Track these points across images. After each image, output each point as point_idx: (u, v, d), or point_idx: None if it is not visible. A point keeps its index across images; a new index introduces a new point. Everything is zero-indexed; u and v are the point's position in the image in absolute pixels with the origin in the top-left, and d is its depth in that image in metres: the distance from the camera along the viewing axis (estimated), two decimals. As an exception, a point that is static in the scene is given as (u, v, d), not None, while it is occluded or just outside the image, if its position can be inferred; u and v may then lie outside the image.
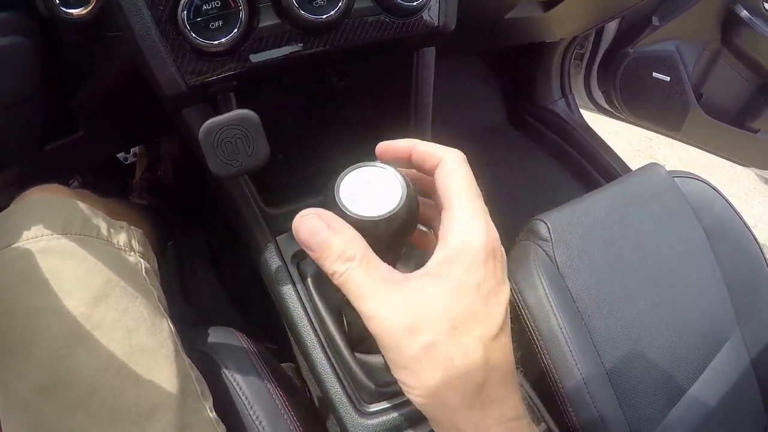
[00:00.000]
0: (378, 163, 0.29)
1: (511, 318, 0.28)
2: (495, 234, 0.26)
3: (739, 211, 0.70)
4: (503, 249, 0.27)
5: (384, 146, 0.30)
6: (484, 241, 0.26)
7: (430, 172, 0.29)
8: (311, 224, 0.26)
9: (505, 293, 0.26)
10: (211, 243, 0.87)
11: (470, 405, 0.25)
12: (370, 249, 0.26)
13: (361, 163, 0.29)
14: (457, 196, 0.27)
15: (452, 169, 0.27)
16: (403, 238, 0.30)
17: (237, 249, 0.56)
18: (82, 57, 0.51)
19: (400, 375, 0.25)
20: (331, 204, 0.28)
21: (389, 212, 0.27)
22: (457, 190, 0.27)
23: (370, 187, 0.28)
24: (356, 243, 0.25)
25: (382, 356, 0.27)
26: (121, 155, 0.90)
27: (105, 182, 0.82)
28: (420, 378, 0.25)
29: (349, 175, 0.29)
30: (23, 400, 0.34)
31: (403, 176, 0.28)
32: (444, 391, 0.25)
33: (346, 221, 0.27)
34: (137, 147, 0.86)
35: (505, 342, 0.27)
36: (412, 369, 0.25)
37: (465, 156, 0.28)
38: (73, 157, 0.62)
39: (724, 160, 1.04)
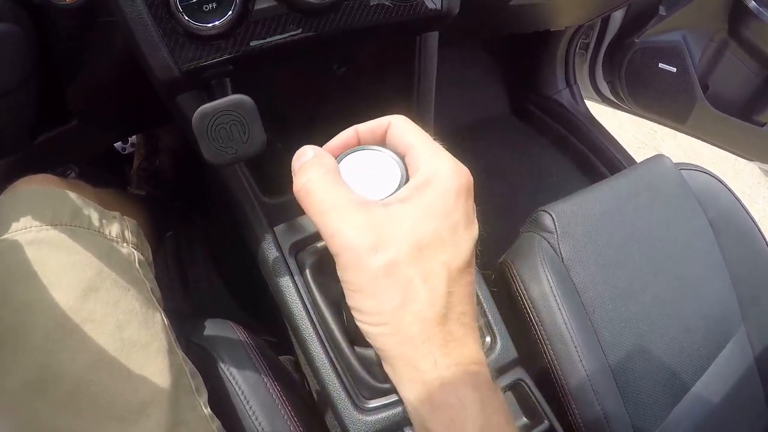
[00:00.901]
0: (373, 147, 0.29)
1: (514, 311, 0.27)
2: (467, 171, 0.26)
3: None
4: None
5: (330, 147, 0.30)
6: (455, 173, 0.25)
7: (382, 141, 0.29)
8: (303, 151, 0.27)
9: (474, 230, 0.26)
10: (210, 234, 0.86)
11: (428, 337, 0.23)
12: (340, 177, 0.26)
13: (356, 147, 0.29)
14: (414, 139, 0.27)
15: (402, 125, 0.28)
16: None
17: (236, 240, 0.55)
18: (75, 44, 0.49)
19: (354, 300, 0.24)
20: None
21: (391, 194, 0.27)
22: (414, 135, 0.27)
23: (368, 170, 0.28)
24: (328, 161, 0.26)
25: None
26: (119, 145, 0.89)
27: (102, 173, 0.81)
28: (378, 300, 0.23)
29: (347, 158, 0.28)
30: (12, 396, 0.33)
31: (399, 158, 0.28)
32: (402, 317, 0.23)
33: None
34: (135, 137, 0.85)
35: (470, 281, 0.26)
36: (369, 290, 0.23)
37: (407, 117, 0.29)
38: (67, 147, 0.61)
39: (729, 153, 1.03)
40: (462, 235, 0.25)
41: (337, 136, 0.30)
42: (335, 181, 0.25)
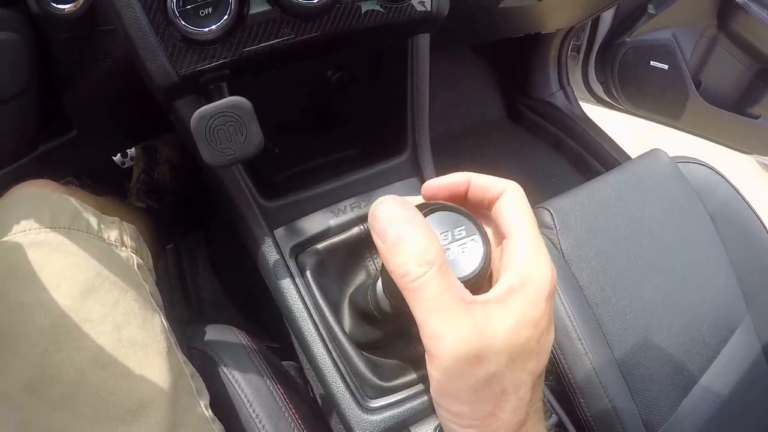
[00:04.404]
0: (457, 208, 0.26)
1: None
2: (554, 272, 0.25)
3: (742, 201, 0.70)
4: None
5: (435, 186, 0.28)
6: (549, 278, 0.25)
7: (489, 206, 0.27)
8: (392, 211, 0.24)
9: (552, 333, 0.26)
10: (211, 243, 0.86)
11: None
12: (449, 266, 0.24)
13: (439, 204, 0.27)
14: (522, 225, 0.26)
15: (515, 200, 0.26)
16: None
17: (237, 247, 0.55)
18: (74, 53, 0.50)
19: (446, 401, 0.24)
20: None
21: (470, 274, 0.25)
22: (522, 220, 0.26)
23: (449, 236, 0.26)
24: (436, 247, 0.23)
25: (395, 359, 0.25)
26: (118, 159, 0.89)
27: (102, 186, 0.81)
28: (472, 408, 0.24)
29: (435, 214, 0.26)
30: (9, 396, 0.33)
31: (483, 231, 0.26)
32: (490, 424, 0.24)
33: None
34: (134, 150, 0.86)
35: (542, 381, 0.26)
36: (465, 398, 0.23)
37: (521, 187, 0.28)
38: (67, 158, 0.61)
39: (725, 149, 1.03)
40: (545, 341, 0.25)
41: (447, 176, 0.28)
42: (448, 280, 0.23)
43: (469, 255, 0.25)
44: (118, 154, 0.90)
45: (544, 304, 0.24)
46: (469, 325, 0.23)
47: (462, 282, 0.24)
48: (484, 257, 0.25)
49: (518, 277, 0.24)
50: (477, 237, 0.26)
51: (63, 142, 0.56)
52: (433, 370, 0.24)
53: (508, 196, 0.27)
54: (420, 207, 0.26)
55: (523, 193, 0.27)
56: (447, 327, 0.23)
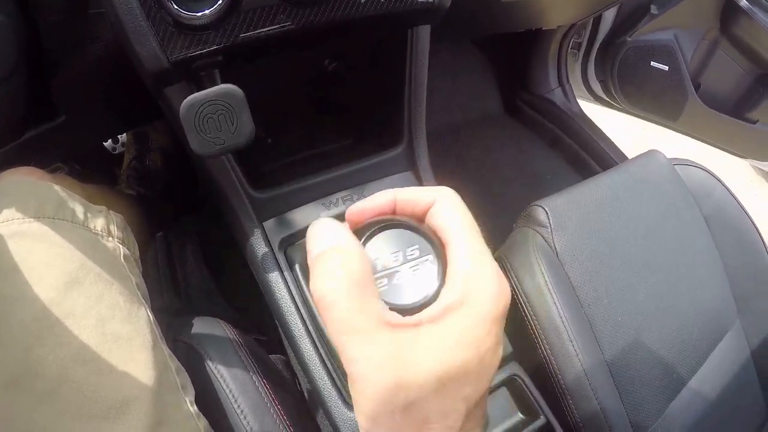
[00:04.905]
0: (410, 223, 0.24)
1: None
2: (508, 291, 0.23)
3: (736, 203, 0.69)
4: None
5: (357, 212, 0.25)
6: (496, 297, 0.22)
7: (421, 218, 0.25)
8: (323, 232, 0.22)
9: (499, 355, 0.23)
10: (200, 233, 0.85)
11: None
12: (372, 280, 0.22)
13: (389, 219, 0.24)
14: (458, 232, 0.23)
15: (448, 206, 0.24)
16: None
17: (227, 238, 0.54)
18: (63, 37, 0.49)
19: (368, 425, 0.22)
20: None
21: (418, 301, 0.22)
22: (458, 226, 0.23)
23: (397, 258, 0.23)
24: (357, 263, 0.21)
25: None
26: (109, 144, 0.88)
27: (92, 172, 0.80)
28: None
29: (379, 235, 0.23)
30: None
31: (442, 252, 0.23)
32: None
33: None
34: (125, 136, 0.84)
35: (484, 405, 0.23)
36: (385, 424, 0.21)
37: (456, 192, 0.25)
38: (55, 144, 0.60)
39: (721, 151, 1.03)
40: (488, 362, 0.22)
41: (370, 198, 0.25)
42: (362, 298, 0.21)
43: (420, 279, 0.23)
44: (109, 140, 0.88)
45: (490, 324, 0.22)
46: (386, 350, 0.21)
47: (408, 309, 0.22)
48: (439, 282, 0.22)
49: (458, 293, 0.22)
50: (432, 258, 0.23)
51: (50, 128, 0.54)
52: (353, 392, 0.22)
53: (439, 205, 0.24)
54: (373, 223, 0.24)
55: (459, 198, 0.24)
56: (360, 350, 0.21)
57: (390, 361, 0.21)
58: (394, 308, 0.22)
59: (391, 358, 0.21)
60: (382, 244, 0.23)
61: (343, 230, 0.23)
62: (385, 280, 0.22)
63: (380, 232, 0.23)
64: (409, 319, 0.22)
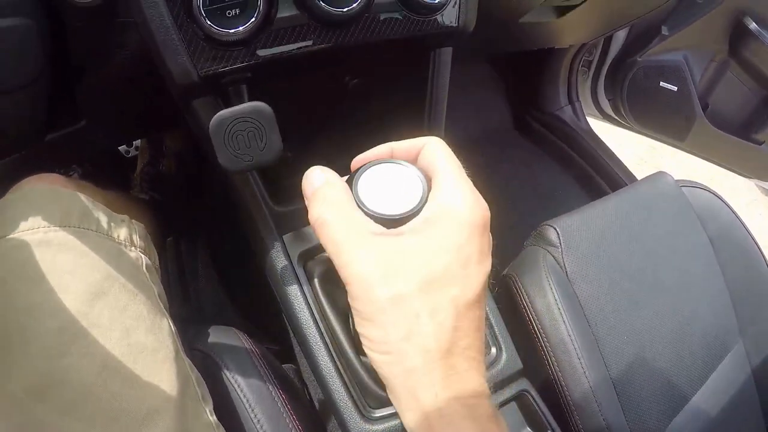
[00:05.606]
0: (401, 162, 0.29)
1: (519, 323, 0.27)
2: (485, 206, 0.27)
3: (740, 222, 0.70)
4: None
5: (360, 159, 0.30)
6: (472, 208, 0.26)
7: (413, 161, 0.29)
8: (314, 175, 0.28)
9: (486, 266, 0.26)
10: (211, 240, 0.85)
11: (430, 369, 0.23)
12: (355, 206, 0.26)
13: (379, 160, 0.29)
14: (443, 165, 0.27)
15: (435, 149, 0.28)
16: None
17: (238, 246, 0.54)
18: (90, 43, 0.49)
19: (363, 328, 0.25)
20: None
21: (409, 211, 0.27)
22: (443, 161, 0.28)
23: (389, 185, 0.28)
24: (342, 194, 0.26)
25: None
26: (123, 149, 0.88)
27: (105, 175, 0.80)
28: (384, 331, 0.24)
29: (367, 171, 0.28)
30: (14, 400, 0.32)
31: (423, 175, 0.28)
32: (406, 349, 0.23)
33: None
34: (139, 141, 0.85)
35: (479, 315, 0.26)
36: (377, 321, 0.24)
37: (442, 140, 0.30)
38: (74, 147, 0.61)
39: (726, 171, 1.05)
40: (473, 269, 0.25)
41: (370, 150, 0.31)
42: (349, 212, 0.26)
43: (406, 199, 0.27)
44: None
45: (468, 232, 0.25)
46: (375, 250, 0.24)
47: (395, 220, 0.26)
48: (422, 202, 0.27)
49: (437, 208, 0.26)
50: (417, 184, 0.28)
51: (71, 132, 0.55)
52: (349, 298, 0.25)
53: (429, 146, 0.28)
54: (372, 162, 0.29)
55: (445, 144, 0.29)
56: (351, 255, 0.24)
57: (376, 261, 0.24)
58: (380, 220, 0.26)
59: (377, 258, 0.24)
60: (377, 175, 0.28)
61: (329, 171, 0.28)
62: (376, 199, 0.27)
63: (375, 165, 0.29)
64: (392, 230, 0.26)
